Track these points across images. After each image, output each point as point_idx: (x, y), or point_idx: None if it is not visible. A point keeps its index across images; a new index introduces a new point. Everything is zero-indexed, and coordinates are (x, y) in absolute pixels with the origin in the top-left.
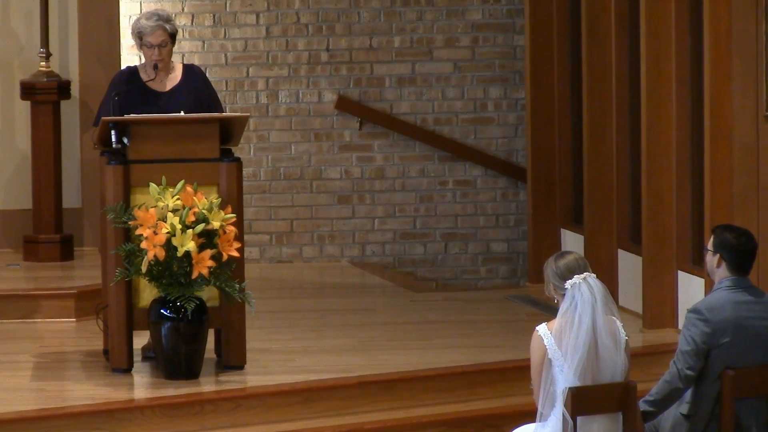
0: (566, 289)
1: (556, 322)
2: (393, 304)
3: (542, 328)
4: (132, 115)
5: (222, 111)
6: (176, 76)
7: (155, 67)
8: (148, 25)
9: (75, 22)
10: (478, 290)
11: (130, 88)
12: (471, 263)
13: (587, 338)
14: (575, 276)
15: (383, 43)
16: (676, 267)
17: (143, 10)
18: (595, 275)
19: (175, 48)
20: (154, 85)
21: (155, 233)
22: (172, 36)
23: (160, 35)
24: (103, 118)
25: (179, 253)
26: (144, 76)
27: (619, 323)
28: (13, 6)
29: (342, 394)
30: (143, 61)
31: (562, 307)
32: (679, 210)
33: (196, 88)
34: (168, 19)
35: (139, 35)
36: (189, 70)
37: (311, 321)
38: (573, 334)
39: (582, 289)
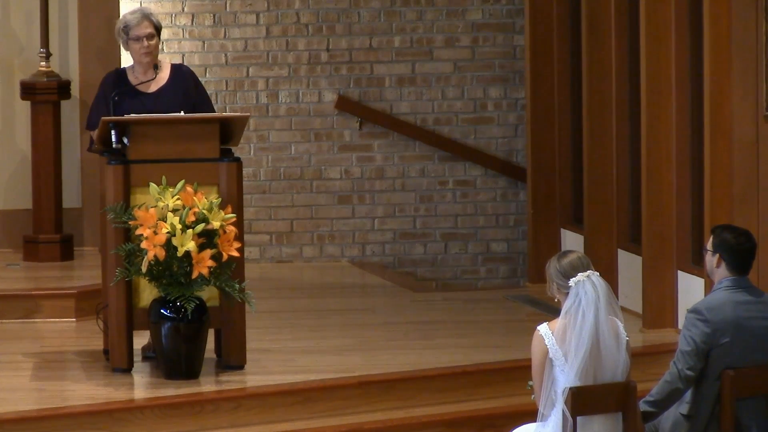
0: (570, 287)
1: (558, 322)
2: (393, 304)
3: (543, 328)
4: (132, 115)
5: (212, 111)
6: (163, 76)
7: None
8: (133, 17)
9: (75, 22)
10: (478, 290)
11: (118, 91)
12: (471, 263)
13: (590, 337)
14: (579, 274)
15: (383, 43)
16: (676, 267)
17: None
18: (598, 273)
19: (175, 48)
20: (142, 87)
21: (155, 233)
22: (158, 30)
23: (146, 26)
24: (103, 118)
25: (179, 253)
26: (132, 79)
27: (620, 323)
28: (13, 6)
29: (342, 394)
30: (131, 63)
31: (566, 305)
32: (679, 210)
33: (184, 88)
34: (152, 14)
35: (125, 30)
36: (177, 70)
37: (311, 321)
38: (576, 332)
39: (586, 287)
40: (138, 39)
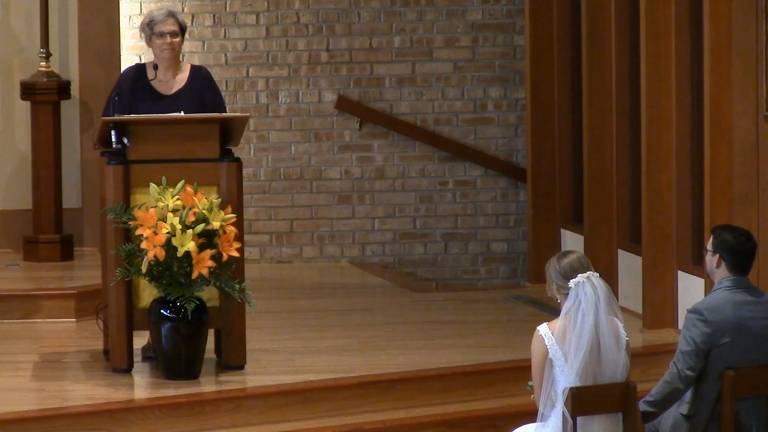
0: (570, 288)
1: (558, 322)
2: (393, 304)
3: (543, 328)
4: (132, 115)
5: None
6: (183, 78)
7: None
8: (158, 14)
9: (75, 22)
10: (478, 290)
11: (136, 87)
12: (471, 263)
13: (590, 338)
14: (579, 275)
15: (383, 43)
16: (676, 267)
17: (143, 11)
18: (598, 274)
19: None
20: (160, 87)
21: (155, 233)
22: (182, 29)
23: (171, 24)
24: (103, 118)
25: (179, 253)
26: (151, 75)
27: (620, 324)
28: (13, 6)
29: (342, 395)
30: (152, 59)
31: (566, 306)
32: (679, 210)
33: (201, 91)
34: (178, 13)
35: (149, 25)
36: (196, 72)
37: (311, 321)
38: (576, 333)
39: (586, 289)
40: (162, 35)
